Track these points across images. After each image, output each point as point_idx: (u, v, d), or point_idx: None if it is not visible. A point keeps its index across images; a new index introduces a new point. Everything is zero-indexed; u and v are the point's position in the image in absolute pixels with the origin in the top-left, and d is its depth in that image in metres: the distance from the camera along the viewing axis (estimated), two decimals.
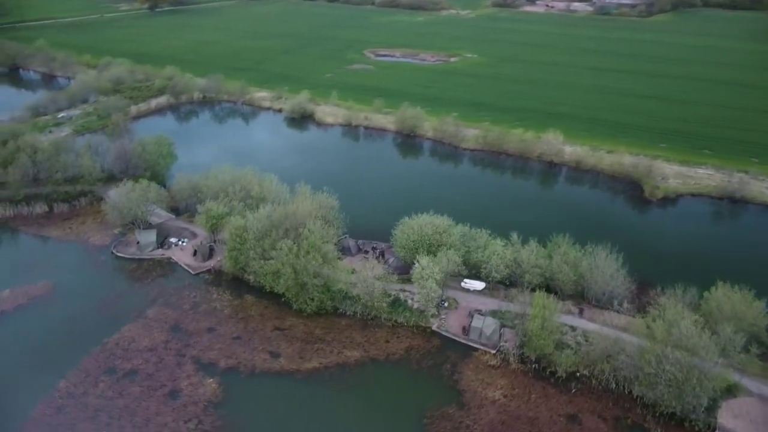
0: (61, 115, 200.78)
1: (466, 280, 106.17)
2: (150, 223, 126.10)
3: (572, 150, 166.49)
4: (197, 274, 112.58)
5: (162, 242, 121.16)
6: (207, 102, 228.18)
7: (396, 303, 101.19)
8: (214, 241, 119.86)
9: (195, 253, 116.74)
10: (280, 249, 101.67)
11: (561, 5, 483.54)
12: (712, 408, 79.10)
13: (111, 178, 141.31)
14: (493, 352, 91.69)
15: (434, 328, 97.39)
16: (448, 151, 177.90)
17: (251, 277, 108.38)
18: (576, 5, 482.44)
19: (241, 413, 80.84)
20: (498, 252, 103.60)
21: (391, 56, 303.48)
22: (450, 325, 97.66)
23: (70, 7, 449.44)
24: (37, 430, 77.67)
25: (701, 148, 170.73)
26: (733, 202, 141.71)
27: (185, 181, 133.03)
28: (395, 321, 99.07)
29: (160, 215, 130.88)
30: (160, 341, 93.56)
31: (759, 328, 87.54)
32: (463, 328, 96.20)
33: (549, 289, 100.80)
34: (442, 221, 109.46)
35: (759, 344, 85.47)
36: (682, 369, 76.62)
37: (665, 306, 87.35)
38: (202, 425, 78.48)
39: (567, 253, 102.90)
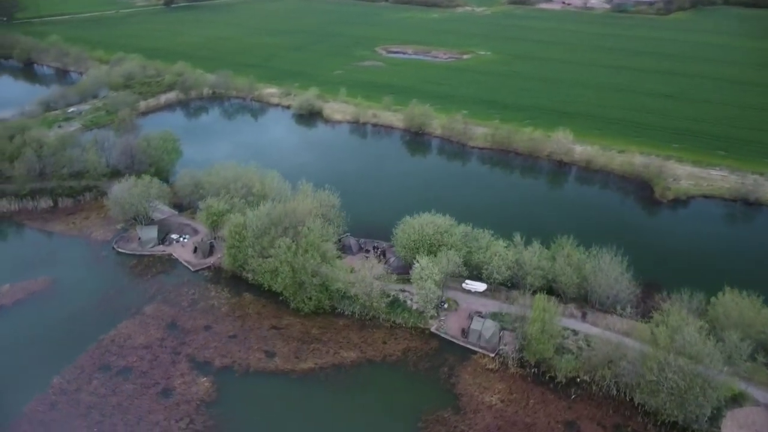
0: (71, 110, 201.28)
1: (467, 281, 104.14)
2: (152, 219, 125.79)
3: (582, 149, 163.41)
4: (197, 271, 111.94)
5: (163, 238, 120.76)
6: (216, 98, 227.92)
7: (395, 303, 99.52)
8: (215, 238, 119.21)
9: (195, 249, 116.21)
10: (279, 247, 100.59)
11: (578, 2, 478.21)
12: (716, 417, 76.48)
13: (116, 174, 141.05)
14: (492, 355, 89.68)
15: (433, 329, 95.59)
16: (455, 149, 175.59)
17: (250, 275, 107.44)
18: (593, 2, 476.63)
19: (234, 413, 79.86)
20: (499, 253, 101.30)
21: (403, 53, 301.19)
22: (449, 326, 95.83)
23: (87, 2, 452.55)
24: (29, 426, 77.25)
25: (716, 149, 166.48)
26: (747, 205, 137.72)
27: (188, 177, 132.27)
28: (393, 322, 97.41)
29: (163, 211, 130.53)
30: (155, 339, 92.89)
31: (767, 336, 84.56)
32: (462, 331, 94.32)
33: (552, 292, 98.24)
34: (444, 221, 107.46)
35: (767, 352, 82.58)
36: (685, 377, 74.01)
37: (669, 311, 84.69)
38: (194, 424, 77.57)
39: (570, 255, 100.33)
